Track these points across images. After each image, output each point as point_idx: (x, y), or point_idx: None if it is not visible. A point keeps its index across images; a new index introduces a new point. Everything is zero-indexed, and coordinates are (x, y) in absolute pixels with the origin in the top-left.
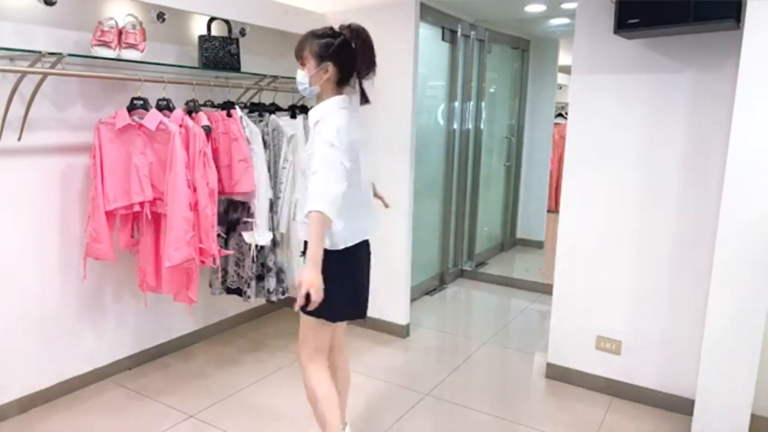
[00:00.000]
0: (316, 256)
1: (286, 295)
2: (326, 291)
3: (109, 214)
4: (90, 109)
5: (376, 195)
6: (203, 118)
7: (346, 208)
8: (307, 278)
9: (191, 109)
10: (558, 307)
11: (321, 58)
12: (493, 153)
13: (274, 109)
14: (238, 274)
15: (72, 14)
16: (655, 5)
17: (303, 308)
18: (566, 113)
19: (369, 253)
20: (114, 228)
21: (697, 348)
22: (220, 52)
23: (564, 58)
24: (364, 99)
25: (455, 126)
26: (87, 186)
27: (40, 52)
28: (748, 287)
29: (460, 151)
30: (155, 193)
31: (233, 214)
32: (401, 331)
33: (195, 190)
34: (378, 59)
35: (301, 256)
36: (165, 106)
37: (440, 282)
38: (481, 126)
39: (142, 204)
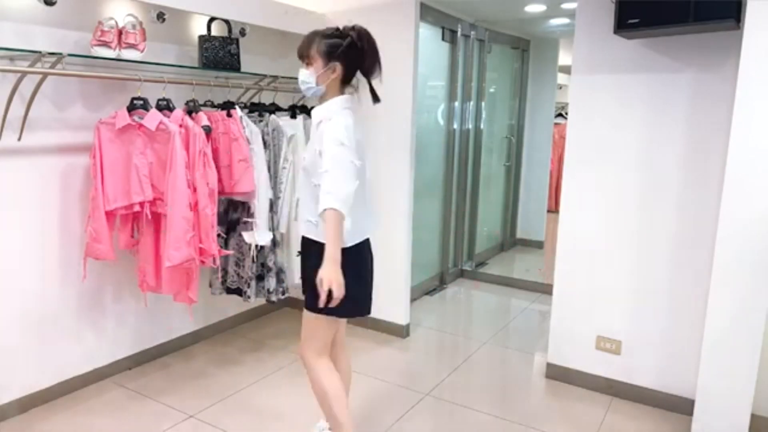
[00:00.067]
0: (335, 253)
1: (286, 295)
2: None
3: (109, 214)
4: (90, 109)
5: None
6: (203, 118)
7: (353, 206)
8: (327, 275)
9: (191, 109)
10: (558, 307)
11: (329, 57)
12: (493, 153)
13: (274, 109)
14: (238, 274)
15: (72, 14)
16: (655, 5)
17: (310, 306)
18: (566, 113)
19: (371, 251)
20: (114, 228)
21: (697, 348)
22: (220, 52)
23: (564, 58)
24: (376, 98)
25: (455, 126)
26: (87, 186)
27: (40, 52)
28: (748, 287)
29: (460, 151)
30: (155, 193)
31: (233, 214)
32: (401, 331)
33: (195, 190)
34: None
35: (298, 255)
36: (165, 106)
37: (440, 282)
38: (481, 126)
39: (142, 204)
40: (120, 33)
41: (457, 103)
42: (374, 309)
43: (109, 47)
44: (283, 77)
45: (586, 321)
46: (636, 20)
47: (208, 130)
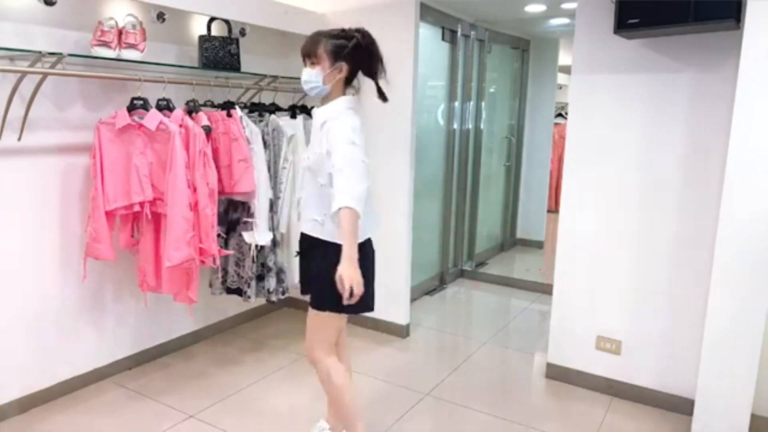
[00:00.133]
0: (353, 252)
1: (286, 295)
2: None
3: (109, 214)
4: (90, 109)
5: None
6: (203, 118)
7: None
8: (348, 274)
9: (191, 109)
10: (558, 307)
11: (336, 57)
12: (493, 153)
13: (274, 109)
14: (238, 274)
15: (72, 14)
16: (655, 5)
17: (315, 305)
18: (566, 113)
19: (374, 249)
20: (114, 228)
21: (697, 348)
22: (220, 52)
23: (564, 58)
24: (383, 98)
25: (455, 126)
26: (87, 186)
27: (40, 52)
28: (748, 287)
29: (460, 151)
30: (155, 193)
31: (233, 214)
32: (401, 331)
33: (195, 190)
34: None
35: (296, 256)
36: (165, 106)
37: (440, 282)
38: (481, 126)
39: (142, 204)
40: (120, 33)
41: (457, 103)
42: (374, 309)
43: (109, 47)
44: (283, 77)
45: (586, 321)
46: (636, 20)
47: (208, 130)
